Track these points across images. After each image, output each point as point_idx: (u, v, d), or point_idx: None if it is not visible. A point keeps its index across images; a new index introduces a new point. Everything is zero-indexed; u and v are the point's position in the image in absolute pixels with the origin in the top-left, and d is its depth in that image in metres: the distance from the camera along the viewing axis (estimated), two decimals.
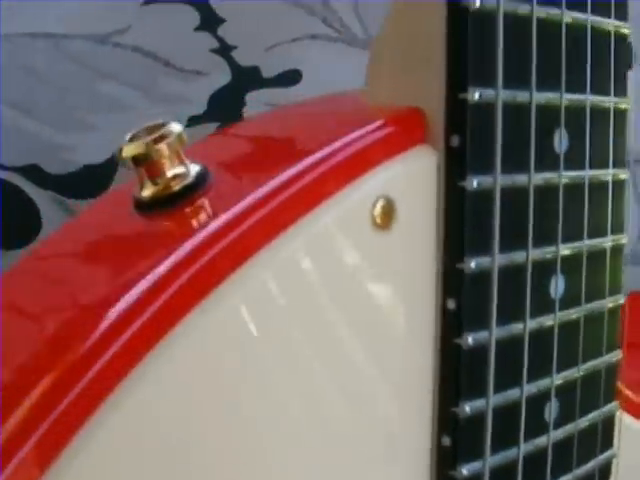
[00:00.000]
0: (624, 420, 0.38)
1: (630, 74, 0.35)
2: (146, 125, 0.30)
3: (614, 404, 0.36)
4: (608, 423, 0.36)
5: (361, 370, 0.30)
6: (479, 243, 0.31)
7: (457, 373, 0.31)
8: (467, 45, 0.30)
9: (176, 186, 0.30)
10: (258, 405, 0.28)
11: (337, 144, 0.30)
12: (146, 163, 0.30)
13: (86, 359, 0.25)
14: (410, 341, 0.31)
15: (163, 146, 0.30)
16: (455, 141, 0.30)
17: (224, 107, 0.62)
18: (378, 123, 0.31)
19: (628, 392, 0.39)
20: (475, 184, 0.30)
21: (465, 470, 0.31)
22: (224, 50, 0.61)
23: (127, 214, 0.31)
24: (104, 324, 0.26)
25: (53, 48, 0.60)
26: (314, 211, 0.29)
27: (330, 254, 0.29)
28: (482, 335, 0.31)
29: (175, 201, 0.30)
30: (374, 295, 0.31)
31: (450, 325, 0.31)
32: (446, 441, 0.31)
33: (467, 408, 0.31)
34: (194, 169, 0.30)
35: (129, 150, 0.30)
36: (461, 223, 0.30)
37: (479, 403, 0.31)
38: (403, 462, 0.32)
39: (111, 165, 0.61)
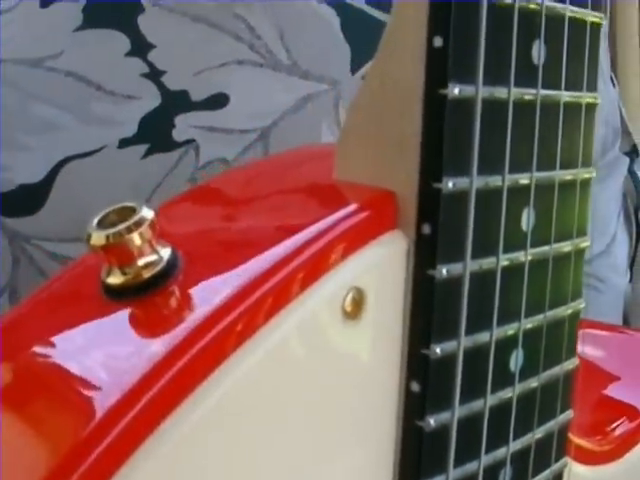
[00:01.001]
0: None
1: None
2: (113, 207, 0.30)
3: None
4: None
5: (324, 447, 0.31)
6: (445, 329, 0.31)
7: (419, 453, 0.32)
8: (443, 133, 0.30)
9: (147, 274, 0.30)
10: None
11: (311, 233, 0.29)
12: (116, 251, 0.29)
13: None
14: (374, 422, 0.32)
15: (135, 235, 0.29)
16: (426, 229, 0.30)
17: (154, 129, 0.64)
18: (352, 208, 0.31)
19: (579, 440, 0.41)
20: (444, 273, 0.30)
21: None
22: (154, 75, 0.64)
23: (95, 299, 0.31)
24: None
25: None
26: (287, 307, 0.28)
27: (302, 347, 0.29)
28: (444, 416, 0.32)
29: (146, 289, 0.30)
30: (344, 379, 0.31)
31: (413, 407, 0.32)
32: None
33: None
34: (164, 254, 0.30)
35: (99, 239, 0.29)
36: (428, 310, 0.31)
37: None
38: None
39: (46, 184, 0.63)
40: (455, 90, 0.30)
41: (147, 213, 0.30)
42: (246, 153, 0.65)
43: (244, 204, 0.36)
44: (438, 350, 0.31)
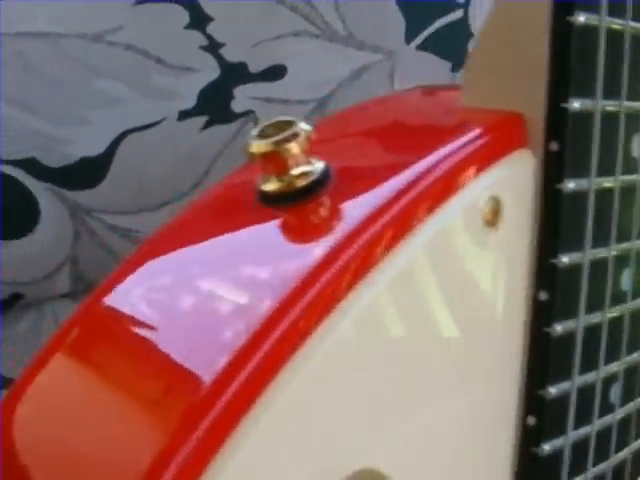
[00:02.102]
0: None
1: None
2: (275, 120, 0.31)
3: None
4: None
5: (458, 354, 0.33)
6: (572, 240, 0.34)
7: (546, 360, 0.34)
8: (570, 58, 0.32)
9: (300, 183, 0.31)
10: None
11: (449, 150, 0.31)
12: (274, 159, 0.31)
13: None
14: (503, 329, 0.34)
15: (293, 145, 0.31)
16: (554, 146, 0.33)
17: (213, 101, 0.65)
18: (485, 128, 0.33)
19: None
20: (572, 186, 0.33)
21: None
22: (213, 47, 0.65)
23: (250, 206, 0.32)
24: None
25: (49, 46, 0.63)
26: (436, 211, 0.30)
27: (448, 250, 0.31)
28: (570, 324, 0.34)
29: (299, 197, 0.31)
30: (478, 286, 0.33)
31: (541, 315, 0.34)
32: (531, 420, 0.35)
33: (553, 390, 0.34)
34: (317, 166, 0.32)
35: (259, 147, 0.31)
36: (556, 222, 0.33)
37: (564, 385, 0.35)
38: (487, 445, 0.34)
39: (106, 157, 0.64)
40: (581, 18, 0.31)
41: (304, 126, 0.31)
42: None
43: (386, 129, 0.38)
44: (565, 259, 0.33)
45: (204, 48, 0.65)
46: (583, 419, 0.36)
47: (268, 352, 0.27)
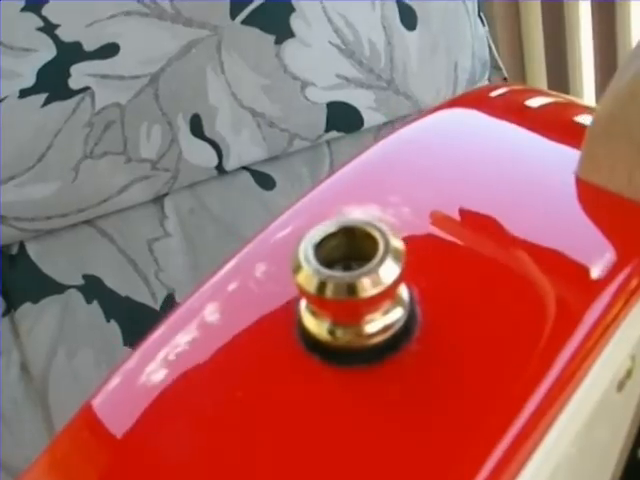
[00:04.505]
0: None
1: None
2: (333, 225, 0.23)
3: None
4: None
5: None
6: None
7: None
8: None
9: (378, 338, 0.23)
10: None
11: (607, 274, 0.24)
12: (344, 306, 0.22)
13: None
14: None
15: (377, 285, 0.22)
16: None
17: (51, 79, 0.70)
18: (624, 250, 0.25)
19: None
20: None
21: None
22: (49, 28, 0.69)
23: (284, 345, 0.24)
24: None
25: None
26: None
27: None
28: None
29: (377, 355, 0.23)
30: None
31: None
32: None
33: None
34: (398, 314, 0.23)
35: (324, 283, 0.22)
36: None
37: None
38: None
39: None
40: None
41: (395, 242, 0.22)
42: (138, 97, 0.71)
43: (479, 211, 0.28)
44: None
45: (40, 29, 0.69)
46: None
47: None
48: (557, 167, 0.29)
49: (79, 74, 0.70)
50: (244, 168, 0.76)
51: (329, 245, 0.23)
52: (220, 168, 0.74)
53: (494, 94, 0.35)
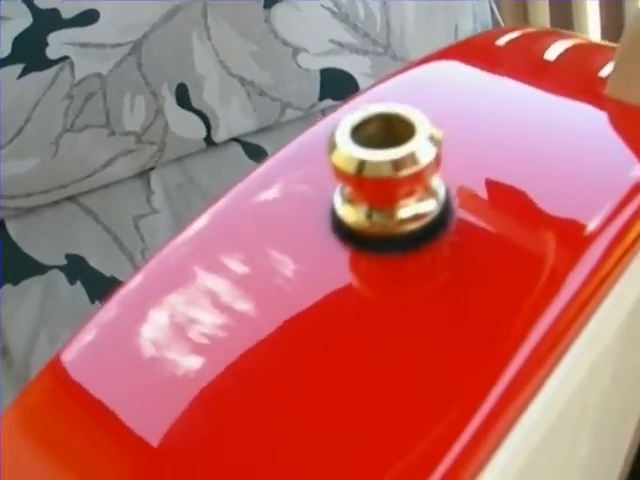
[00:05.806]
0: None
1: None
2: (371, 109, 0.23)
3: None
4: None
5: None
6: None
7: None
8: None
9: (414, 224, 0.23)
10: None
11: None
12: (381, 187, 0.22)
13: None
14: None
15: (416, 169, 0.22)
16: None
17: (28, 49, 0.66)
18: None
19: None
20: None
21: None
22: None
23: (317, 233, 0.24)
24: None
25: None
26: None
27: None
28: None
29: (413, 243, 0.23)
30: None
31: None
32: None
33: None
34: (432, 204, 0.23)
35: (363, 165, 0.22)
36: None
37: None
38: None
39: None
40: None
41: (431, 129, 0.22)
42: (120, 66, 0.67)
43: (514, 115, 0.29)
44: None
45: None
46: None
47: None
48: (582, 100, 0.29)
49: (57, 43, 0.66)
50: (234, 140, 0.72)
51: (365, 132, 0.23)
52: (209, 140, 0.71)
53: (501, 41, 0.34)
